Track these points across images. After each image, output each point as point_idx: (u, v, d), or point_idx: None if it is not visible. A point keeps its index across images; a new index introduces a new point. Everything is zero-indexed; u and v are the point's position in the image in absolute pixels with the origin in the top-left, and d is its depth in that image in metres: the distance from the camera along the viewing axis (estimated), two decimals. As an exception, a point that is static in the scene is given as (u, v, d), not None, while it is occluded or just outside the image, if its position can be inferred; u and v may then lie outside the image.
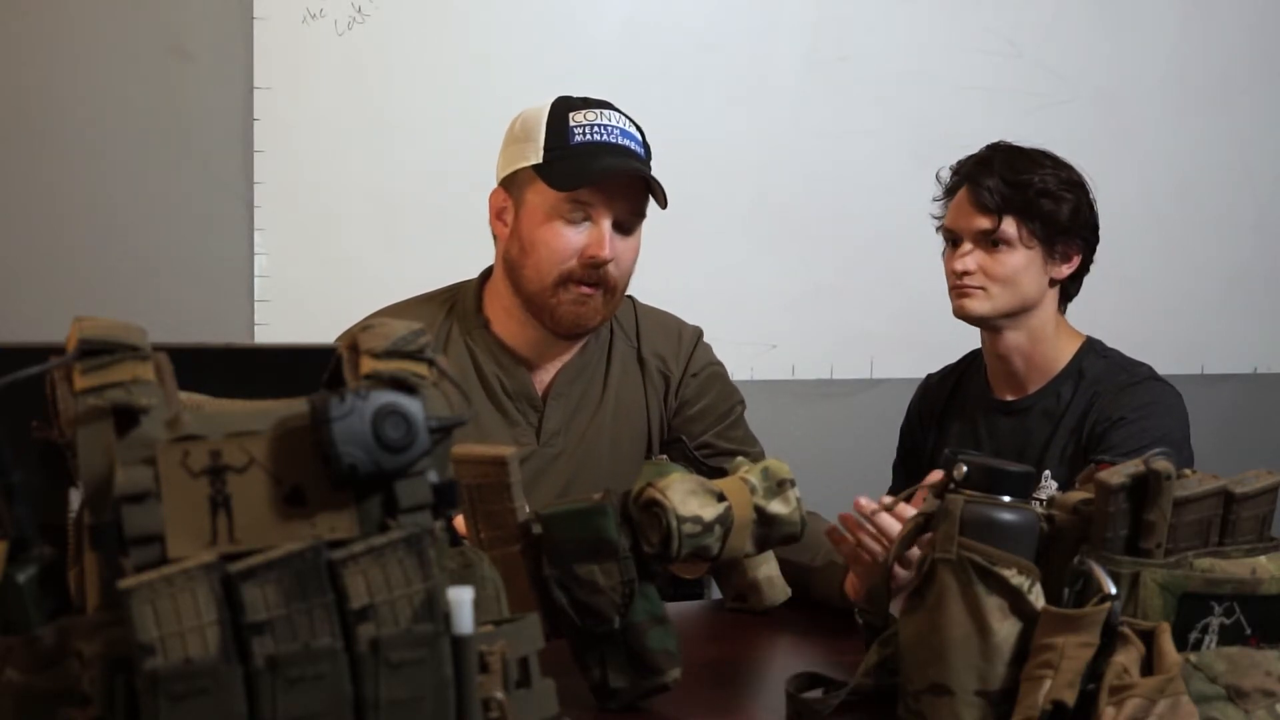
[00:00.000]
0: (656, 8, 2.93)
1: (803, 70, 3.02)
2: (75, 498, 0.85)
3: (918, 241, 2.94)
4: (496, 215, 1.82)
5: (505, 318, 1.83)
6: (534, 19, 2.85)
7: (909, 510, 1.48)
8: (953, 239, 2.07)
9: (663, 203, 1.76)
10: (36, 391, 0.86)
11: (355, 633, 0.80)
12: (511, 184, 1.79)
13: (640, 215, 1.79)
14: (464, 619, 0.82)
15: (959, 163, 2.10)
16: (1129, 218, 2.88)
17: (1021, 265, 2.01)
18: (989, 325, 2.06)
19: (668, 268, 2.86)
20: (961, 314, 2.05)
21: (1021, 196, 1.99)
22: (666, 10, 2.93)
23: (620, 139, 1.75)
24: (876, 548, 1.50)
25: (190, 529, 0.80)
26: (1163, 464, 1.09)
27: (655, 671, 1.25)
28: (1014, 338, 2.06)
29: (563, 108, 1.77)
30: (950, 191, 2.09)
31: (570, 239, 1.74)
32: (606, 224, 1.74)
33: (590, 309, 1.77)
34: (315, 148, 2.76)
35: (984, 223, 2.01)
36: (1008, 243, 2.00)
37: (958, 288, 2.04)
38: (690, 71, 2.93)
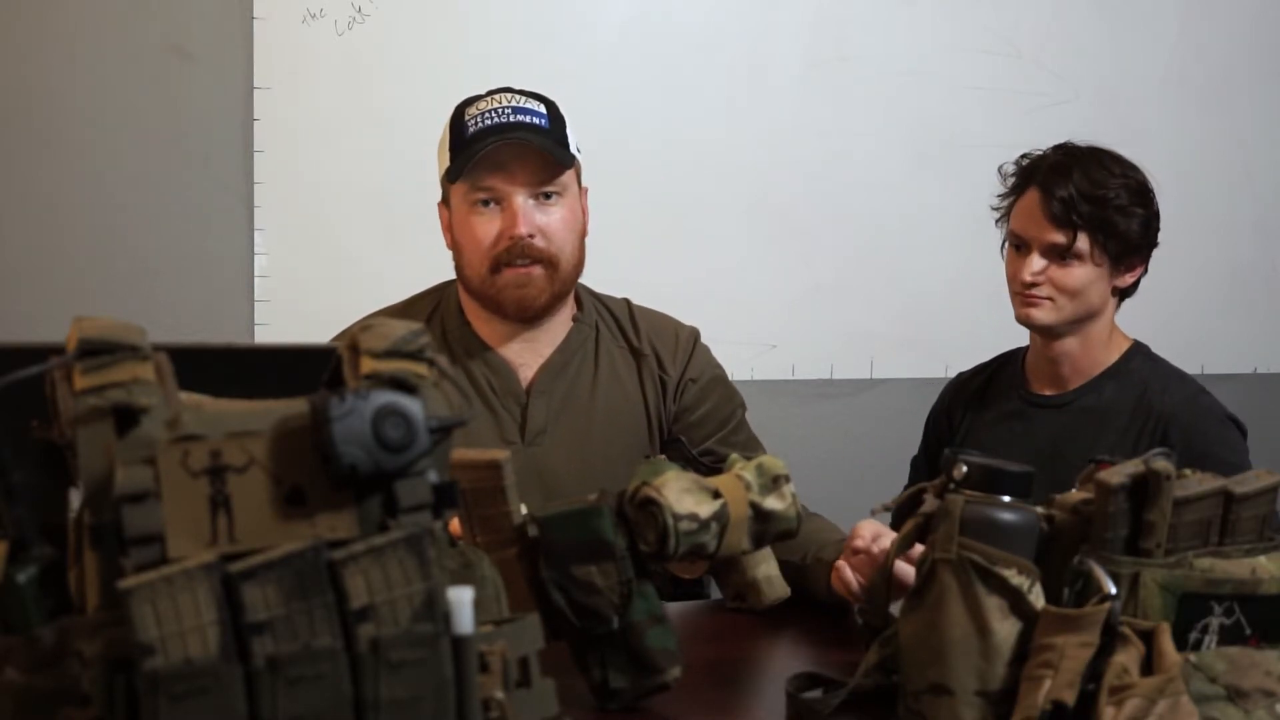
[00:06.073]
0: (656, 8, 2.92)
1: (803, 70, 3.01)
2: (75, 498, 0.85)
3: (918, 241, 2.94)
4: (446, 229, 1.85)
5: (475, 318, 1.85)
6: (534, 19, 2.85)
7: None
8: (1019, 243, 2.03)
9: (567, 160, 1.76)
10: (36, 391, 0.86)
11: (355, 633, 0.80)
12: (445, 196, 1.84)
13: (551, 182, 1.78)
14: (464, 619, 0.82)
15: (1029, 160, 2.05)
16: (1129, 218, 2.87)
17: (1091, 279, 1.99)
18: (1051, 333, 2.05)
19: (668, 268, 2.87)
20: (1026, 322, 2.03)
21: (1099, 214, 1.96)
22: (666, 10, 2.93)
23: (511, 116, 1.76)
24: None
25: (190, 529, 0.80)
26: (1162, 464, 1.09)
27: (655, 670, 1.25)
28: (1071, 343, 2.05)
29: (460, 108, 1.81)
30: (1017, 190, 2.05)
31: (486, 227, 1.77)
32: (518, 201, 1.75)
33: (534, 288, 1.77)
34: (315, 148, 2.75)
35: (1058, 237, 1.97)
36: (1079, 257, 1.98)
37: (1023, 296, 2.01)
38: (690, 71, 2.93)
